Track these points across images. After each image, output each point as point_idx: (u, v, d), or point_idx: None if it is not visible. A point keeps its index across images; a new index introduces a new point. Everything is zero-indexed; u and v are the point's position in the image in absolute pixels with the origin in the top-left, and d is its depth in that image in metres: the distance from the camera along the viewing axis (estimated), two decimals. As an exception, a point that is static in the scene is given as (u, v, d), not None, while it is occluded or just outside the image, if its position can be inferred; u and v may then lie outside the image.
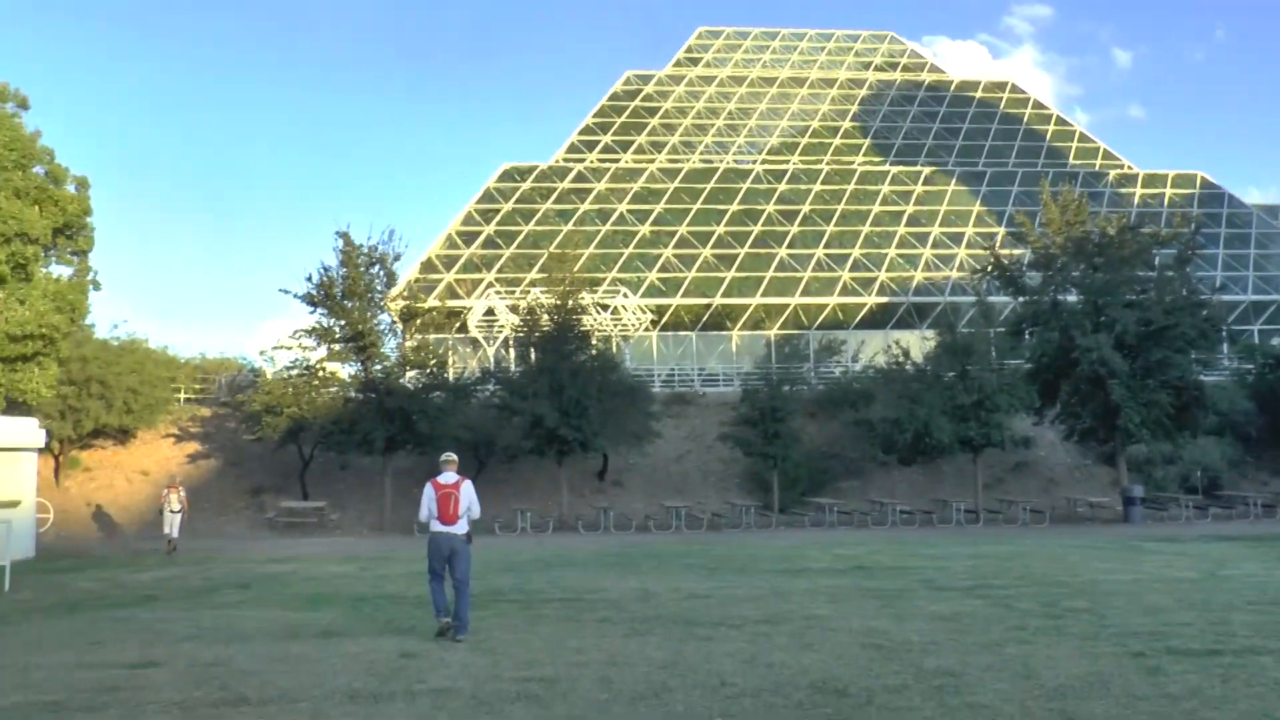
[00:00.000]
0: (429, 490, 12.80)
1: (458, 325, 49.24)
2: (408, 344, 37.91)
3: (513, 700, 9.00)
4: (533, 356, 37.12)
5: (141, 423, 38.36)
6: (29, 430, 26.07)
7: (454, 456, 13.29)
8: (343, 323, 35.41)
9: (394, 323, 38.15)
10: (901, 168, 63.80)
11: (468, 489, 12.83)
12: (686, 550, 24.74)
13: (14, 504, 24.40)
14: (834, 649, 11.23)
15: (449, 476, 12.82)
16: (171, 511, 27.37)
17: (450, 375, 38.95)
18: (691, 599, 15.55)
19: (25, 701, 9.39)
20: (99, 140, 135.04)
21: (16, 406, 30.70)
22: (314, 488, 37.75)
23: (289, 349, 37.17)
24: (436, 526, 12.75)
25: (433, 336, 40.85)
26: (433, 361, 36.38)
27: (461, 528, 12.78)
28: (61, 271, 31.62)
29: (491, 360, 46.17)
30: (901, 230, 58.31)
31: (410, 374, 36.49)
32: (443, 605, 12.67)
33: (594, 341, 38.47)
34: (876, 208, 59.86)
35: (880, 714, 8.43)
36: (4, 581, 18.51)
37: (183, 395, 44.76)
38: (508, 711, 8.60)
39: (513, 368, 39.42)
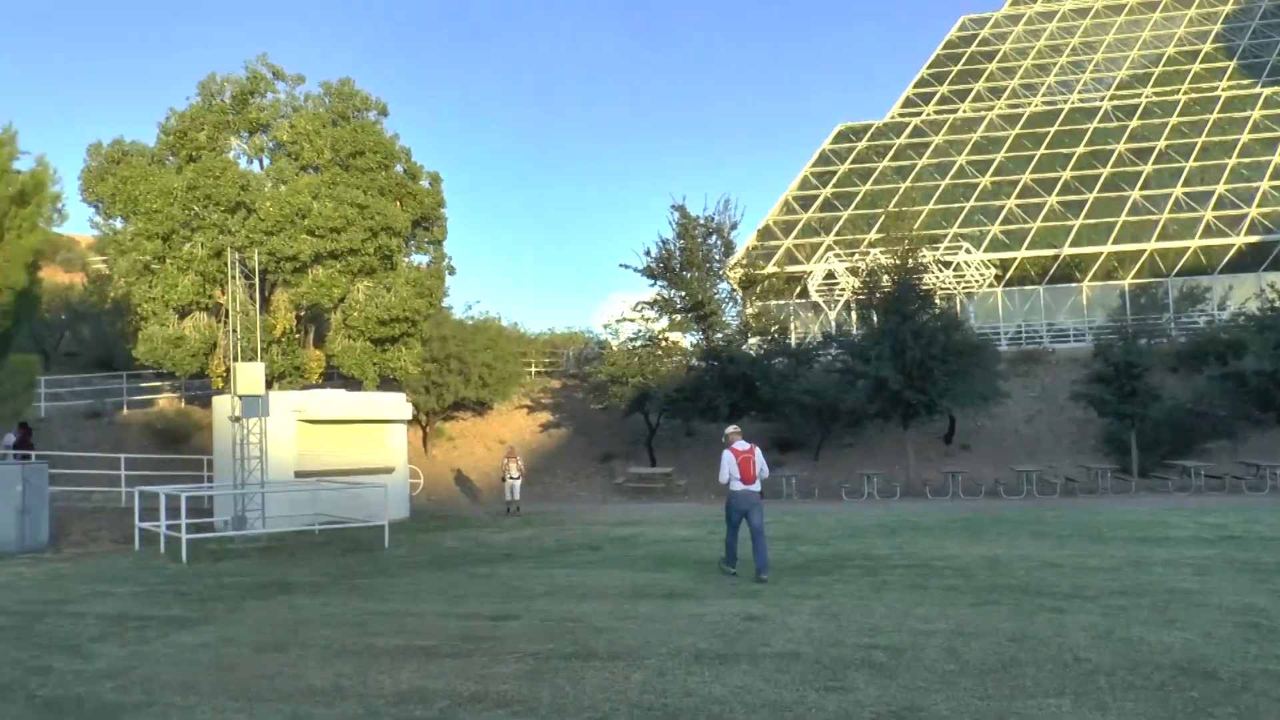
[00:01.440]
0: (730, 457, 14.79)
1: (797, 290, 49.22)
2: (748, 311, 38.27)
3: (856, 667, 8.87)
4: (874, 318, 36.49)
5: (497, 395, 40.91)
6: (399, 404, 28.34)
7: (738, 428, 15.40)
8: (683, 293, 36.18)
9: (733, 291, 38.61)
10: (1276, 89, 57.54)
11: (759, 454, 14.98)
12: (1037, 516, 23.58)
13: (389, 470, 26.73)
14: (1201, 626, 10.31)
15: (742, 444, 14.89)
16: (511, 478, 29.71)
17: (791, 341, 38.99)
18: (1043, 568, 14.79)
19: (404, 645, 10.24)
20: (447, 137, 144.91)
21: (388, 383, 33.65)
22: (660, 454, 38.90)
23: (632, 321, 38.52)
24: (737, 486, 14.78)
25: (773, 303, 41.02)
26: (773, 328, 36.53)
27: (757, 486, 14.84)
28: (420, 260, 34.32)
29: (832, 324, 45.82)
30: (1276, 159, 52.56)
31: (751, 341, 36.80)
32: (734, 558, 15.02)
33: (936, 300, 37.30)
34: (1245, 136, 54.16)
35: (1259, 702, 7.61)
36: (384, 538, 20.36)
37: (533, 369, 47.35)
38: (851, 679, 8.48)
39: (854, 330, 38.90)
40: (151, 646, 10.59)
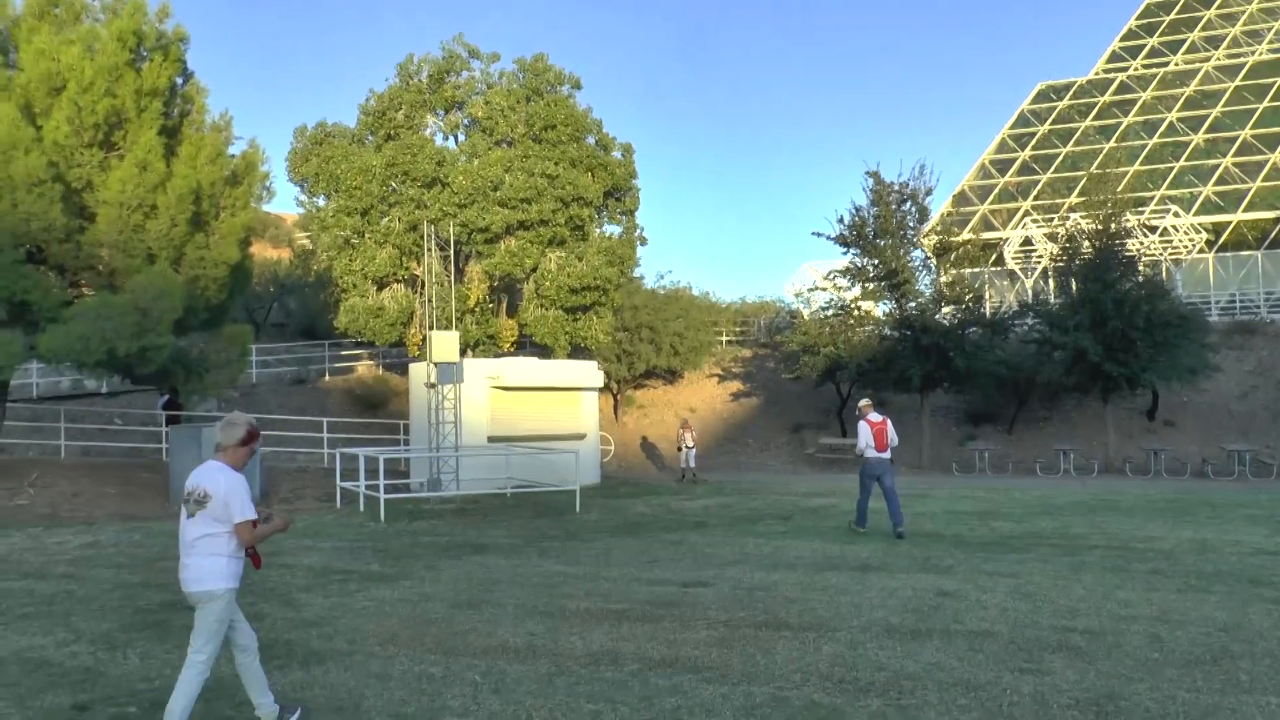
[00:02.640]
0: (865, 428, 16.55)
1: (993, 258, 47.77)
2: (942, 279, 37.37)
3: (1053, 650, 8.67)
4: (1073, 287, 35.11)
5: (687, 364, 41.17)
6: (590, 372, 28.83)
7: (870, 401, 17.20)
8: (875, 261, 35.58)
9: (927, 258, 37.73)
10: None
11: (890, 425, 16.75)
12: (1251, 500, 22.38)
13: (580, 437, 27.27)
14: None
15: (876, 416, 16.67)
16: (687, 447, 30.30)
17: (987, 310, 37.93)
18: (1258, 555, 14.05)
19: (595, 608, 10.53)
20: (639, 109, 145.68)
21: (579, 351, 34.25)
22: (852, 425, 38.48)
23: (824, 290, 38.14)
24: (871, 453, 16.49)
25: (968, 271, 39.87)
26: (968, 296, 35.57)
27: (888, 454, 16.58)
28: (612, 230, 34.76)
29: (1029, 292, 44.30)
30: None
31: (946, 310, 35.96)
32: (865, 518, 16.90)
33: (1141, 267, 35.63)
34: None
35: None
36: (575, 503, 20.85)
37: (724, 338, 47.43)
38: (1048, 662, 8.30)
39: (1052, 299, 37.52)
40: (353, 599, 11.18)
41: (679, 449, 30.94)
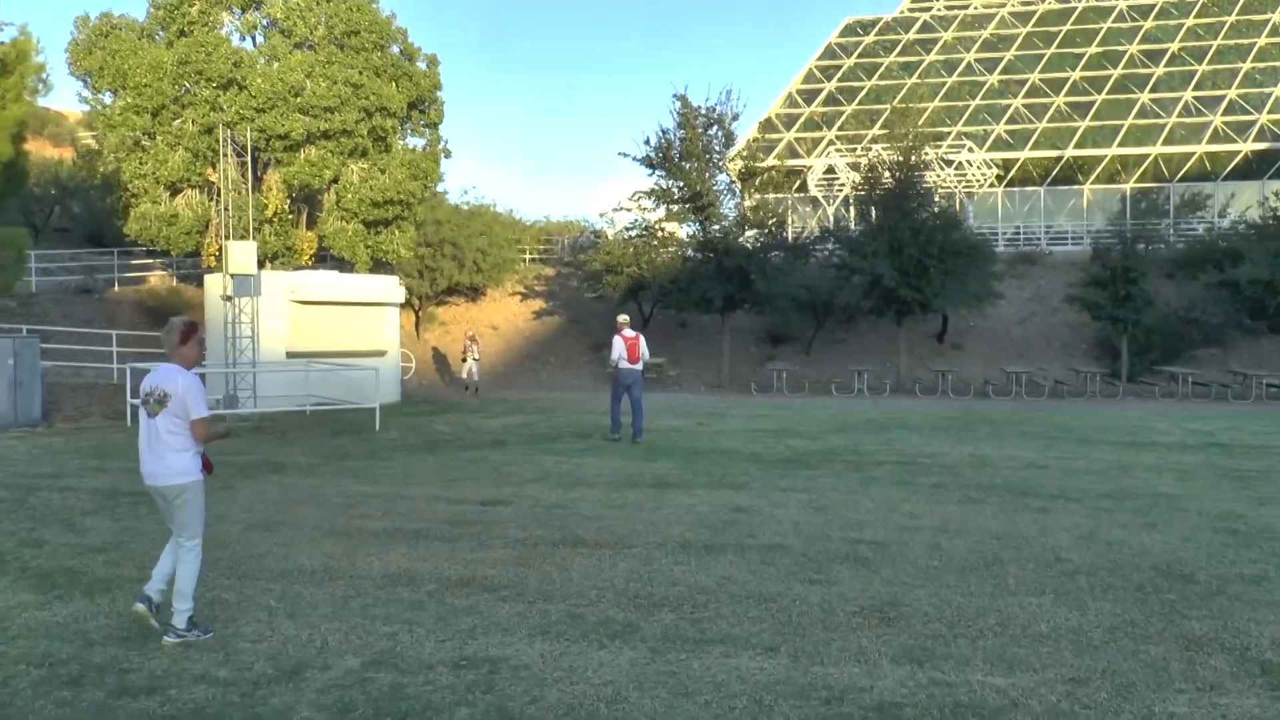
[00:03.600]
0: (619, 342, 18.19)
1: (797, 184, 48.76)
2: (746, 204, 37.89)
3: (841, 560, 8.96)
4: (873, 215, 36.18)
5: (490, 281, 40.79)
6: (391, 287, 28.21)
7: (628, 317, 19.06)
8: (681, 184, 35.76)
9: (732, 183, 38.16)
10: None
11: (643, 341, 18.43)
12: (1026, 418, 23.73)
13: (381, 353, 26.71)
14: (1182, 531, 10.41)
15: (630, 332, 18.31)
16: (474, 359, 31.50)
17: (789, 235, 38.73)
18: (1029, 469, 14.91)
19: (394, 528, 10.35)
20: (443, 19, 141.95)
21: (381, 266, 33.46)
22: (653, 345, 38.74)
23: (628, 210, 38.13)
24: (624, 365, 18.14)
25: (772, 196, 40.53)
26: (771, 221, 36.20)
27: (639, 366, 18.20)
28: (415, 143, 33.84)
29: (831, 219, 45.51)
30: (1293, 64, 51.47)
31: (749, 234, 36.52)
32: (618, 425, 18.33)
33: (936, 199, 36.96)
34: (1263, 40, 52.71)
35: (1232, 605, 7.70)
36: (375, 421, 20.45)
37: (528, 256, 47.11)
38: (836, 572, 8.57)
39: (852, 226, 38.60)
40: (143, 522, 10.66)
41: (463, 360, 31.62)
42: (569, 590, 7.99)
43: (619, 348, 18.24)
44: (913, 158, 35.62)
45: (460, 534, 10.07)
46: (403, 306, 32.10)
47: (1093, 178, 49.33)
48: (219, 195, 28.78)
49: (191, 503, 6.85)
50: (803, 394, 32.48)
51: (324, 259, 34.69)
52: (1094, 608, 7.59)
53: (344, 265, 32.93)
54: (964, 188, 47.04)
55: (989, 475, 14.17)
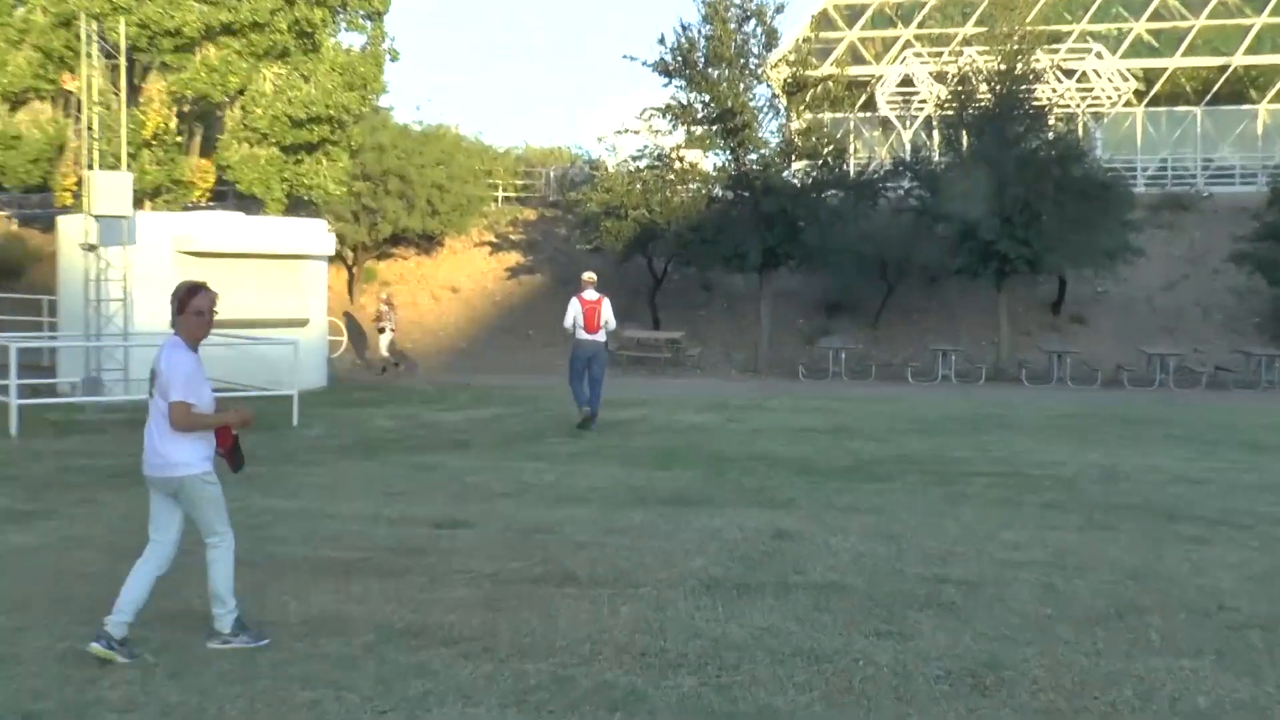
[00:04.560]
0: (575, 304, 19.84)
1: (862, 100, 48.61)
2: (794, 125, 37.79)
3: (919, 606, 8.91)
4: (965, 142, 36.07)
5: (450, 227, 40.76)
6: (316, 235, 28.08)
7: (594, 275, 20.69)
8: (707, 98, 35.64)
9: (775, 97, 38.08)
10: None
11: (607, 305, 19.99)
12: (1174, 415, 23.69)
13: (302, 323, 26.64)
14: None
15: (591, 294, 19.81)
16: (391, 329, 32.09)
17: (850, 168, 38.63)
18: (1178, 484, 14.88)
19: (317, 557, 10.35)
20: None
21: (302, 206, 33.32)
22: (667, 314, 38.93)
23: (636, 134, 38.04)
24: (581, 335, 19.62)
25: (828, 116, 40.47)
26: (827, 149, 36.14)
27: (601, 337, 19.80)
28: (352, 41, 33.68)
29: (907, 147, 45.38)
30: None
31: (796, 166, 36.44)
32: (583, 397, 19.62)
33: (1052, 121, 36.82)
34: None
35: None
36: (292, 414, 20.43)
37: (501, 194, 47.02)
38: (913, 622, 8.51)
39: (936, 157, 38.50)
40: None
41: (380, 332, 32.34)
42: (553, 644, 7.95)
43: (574, 311, 19.88)
44: (1019, 66, 35.49)
45: (408, 566, 10.04)
46: (332, 261, 32.06)
47: (1271, 95, 48.97)
48: (79, 111, 28.72)
49: (197, 499, 7.71)
50: (867, 381, 32.49)
51: (224, 196, 34.68)
52: (1273, 675, 7.52)
53: (252, 205, 32.89)
54: (1090, 107, 46.85)
55: (1122, 493, 14.15)
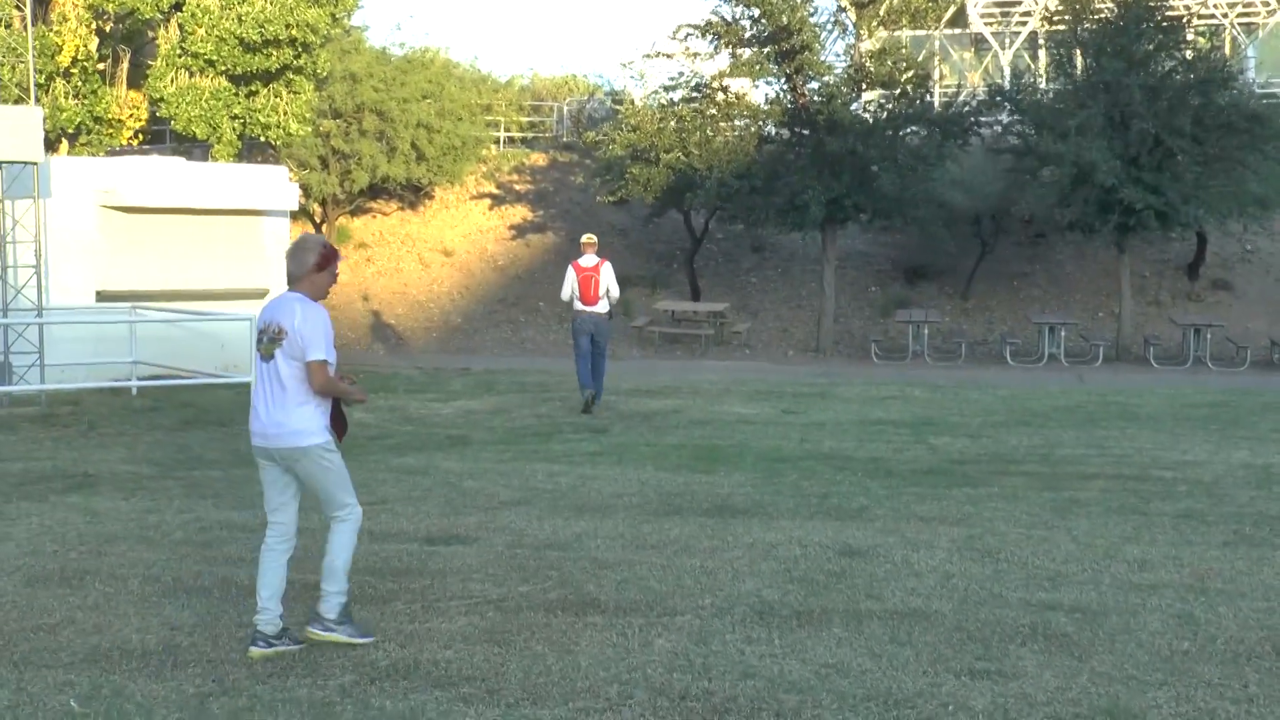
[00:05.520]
0: (571, 273, 21.29)
1: (950, 13, 48.50)
2: (864, 47, 37.73)
3: (1024, 639, 8.94)
4: (1079, 66, 35.93)
5: (441, 176, 40.71)
6: (276, 186, 28.13)
7: (594, 238, 22.13)
8: (756, 12, 35.58)
9: (841, 11, 38.04)
10: None
11: (607, 270, 21.25)
12: (1343, 404, 23.65)
13: (260, 294, 26.69)
14: None
15: (589, 259, 21.19)
16: None
17: (935, 99, 38.54)
18: (1348, 489, 14.87)
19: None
20: None
21: (259, 150, 33.34)
22: (710, 281, 38.93)
23: (669, 58, 37.97)
24: (579, 306, 21.18)
25: (907, 34, 40.43)
26: (906, 76, 36.04)
27: (603, 307, 21.24)
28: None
29: (1006, 73, 45.24)
30: None
31: (868, 97, 36.37)
32: (588, 378, 21.27)
33: (1191, 37, 36.66)
34: None
35: None
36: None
37: (503, 134, 47.00)
38: (1015, 657, 8.54)
39: (1043, 85, 38.39)
40: None
41: None
42: (574, 686, 8.00)
43: (570, 280, 21.40)
44: (1150, -35, 35.30)
45: (394, 591, 10.12)
46: (296, 217, 32.16)
47: None
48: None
49: (320, 471, 8.47)
50: (956, 362, 32.48)
51: (159, 137, 34.78)
52: None
53: (197, 149, 32.98)
54: (1241, 17, 46.62)
55: (1278, 500, 14.13)
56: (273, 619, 8.44)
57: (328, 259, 8.48)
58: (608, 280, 21.19)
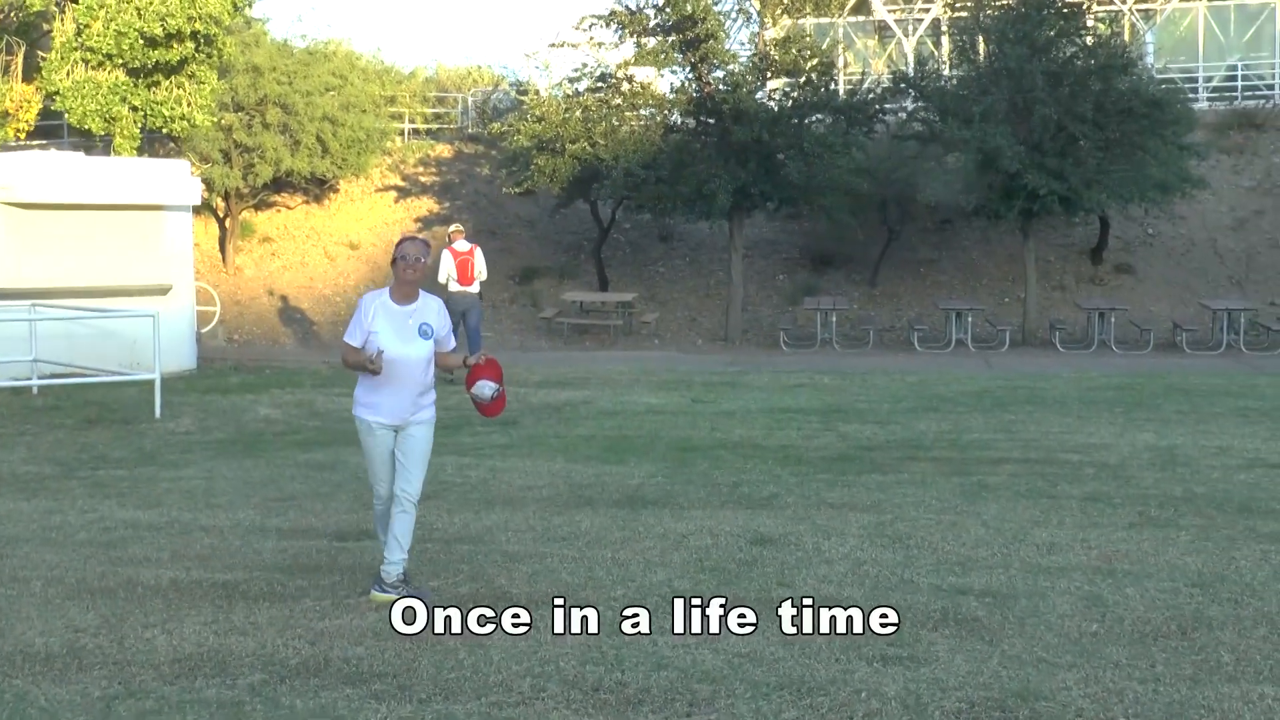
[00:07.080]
0: (447, 256, 23.85)
1: (853, 1, 48.67)
2: (768, 35, 37.79)
3: (935, 624, 9.01)
4: (981, 51, 36.13)
5: (346, 169, 40.41)
6: (178, 180, 27.77)
7: (461, 227, 24.92)
8: (660, 1, 35.56)
9: (745, 1, 38.06)
10: None
11: (479, 255, 24.41)
12: (1246, 385, 23.89)
13: (163, 290, 26.47)
14: None
15: (462, 244, 24.13)
16: None
17: (839, 87, 38.65)
18: (1253, 469, 15.01)
19: (190, 580, 10.36)
20: None
21: (160, 143, 33.04)
22: (617, 271, 38.91)
23: (574, 48, 37.89)
24: (455, 287, 23.65)
25: (811, 21, 40.52)
26: (811, 64, 36.09)
27: (475, 288, 24.07)
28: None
29: (910, 59, 45.46)
30: None
31: (773, 85, 36.41)
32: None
33: (1091, 22, 36.92)
34: None
35: None
36: (154, 403, 20.37)
37: (407, 126, 46.81)
38: (926, 643, 8.60)
39: (946, 71, 38.58)
40: None
41: None
42: (486, 681, 8.00)
43: (448, 264, 24.00)
44: (1049, -48, 35.54)
45: (303, 588, 10.10)
46: (199, 212, 31.86)
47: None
48: None
49: (430, 444, 10.34)
50: (864, 349, 32.61)
51: (55, 132, 34.40)
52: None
53: (92, 142, 32.64)
54: (1138, 5, 47.03)
55: (1182, 482, 14.26)
56: (396, 565, 9.68)
57: (394, 257, 10.35)
58: (480, 264, 24.36)
